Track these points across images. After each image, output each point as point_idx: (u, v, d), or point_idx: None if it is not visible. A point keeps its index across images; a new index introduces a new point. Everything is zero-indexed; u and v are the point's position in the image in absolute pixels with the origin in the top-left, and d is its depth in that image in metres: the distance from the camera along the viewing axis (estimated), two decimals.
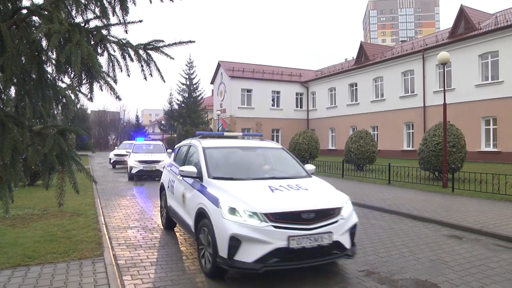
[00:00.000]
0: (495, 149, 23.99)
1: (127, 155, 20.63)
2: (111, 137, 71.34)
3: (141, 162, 17.43)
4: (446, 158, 13.28)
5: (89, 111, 63.87)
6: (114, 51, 3.27)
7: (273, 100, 42.10)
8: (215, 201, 4.84)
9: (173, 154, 8.19)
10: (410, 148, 29.67)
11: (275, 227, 4.46)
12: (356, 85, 36.33)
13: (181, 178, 6.40)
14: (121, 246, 6.45)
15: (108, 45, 3.21)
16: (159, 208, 10.08)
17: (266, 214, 4.51)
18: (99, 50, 3.22)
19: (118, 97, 3.12)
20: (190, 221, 5.65)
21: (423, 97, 28.87)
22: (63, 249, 5.89)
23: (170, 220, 7.38)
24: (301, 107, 43.54)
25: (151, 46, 3.32)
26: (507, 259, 5.87)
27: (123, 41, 3.26)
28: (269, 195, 4.88)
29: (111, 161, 25.89)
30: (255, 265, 4.38)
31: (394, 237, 7.17)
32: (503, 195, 10.72)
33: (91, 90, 3.13)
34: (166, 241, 6.85)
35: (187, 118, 48.73)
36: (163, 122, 58.56)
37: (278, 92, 42.16)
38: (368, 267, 5.46)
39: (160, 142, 21.31)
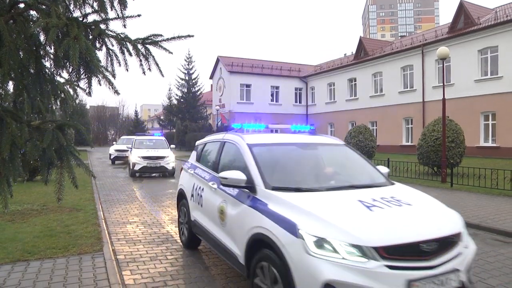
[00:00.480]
0: (494, 144, 24.02)
1: (127, 150, 20.12)
2: (110, 133, 71.35)
3: (145, 158, 16.73)
4: (445, 153, 13.30)
5: (88, 107, 63.96)
6: (113, 45, 3.25)
7: (272, 95, 42.09)
8: (289, 226, 3.29)
9: (194, 153, 6.59)
10: (409, 143, 29.70)
11: (390, 267, 3.00)
12: (355, 80, 36.30)
13: (215, 186, 4.85)
14: (121, 241, 6.46)
15: (106, 39, 3.19)
16: (159, 203, 10.12)
17: (376, 248, 3.03)
18: (98, 45, 3.20)
19: (116, 92, 3.11)
20: (237, 249, 4.11)
21: (422, 92, 28.85)
22: (63, 244, 5.89)
23: (194, 238, 5.87)
24: (300, 102, 43.52)
25: (149, 41, 3.30)
26: (505, 253, 5.89)
27: (122, 35, 3.25)
28: (369, 216, 3.36)
29: (111, 157, 25.22)
30: None
31: None
32: (502, 190, 10.75)
33: (89, 84, 3.11)
34: (165, 236, 6.86)
35: (186, 113, 48.75)
36: (162, 117, 58.58)
37: (277, 87, 42.14)
38: None
39: (162, 137, 20.79)
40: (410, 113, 29.97)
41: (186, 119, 46.62)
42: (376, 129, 32.94)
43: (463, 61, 25.68)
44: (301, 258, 3.10)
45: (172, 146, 20.03)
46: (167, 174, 17.21)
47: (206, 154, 6.06)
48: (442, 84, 13.94)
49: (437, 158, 14.18)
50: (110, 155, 25.76)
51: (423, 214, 3.65)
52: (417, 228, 3.30)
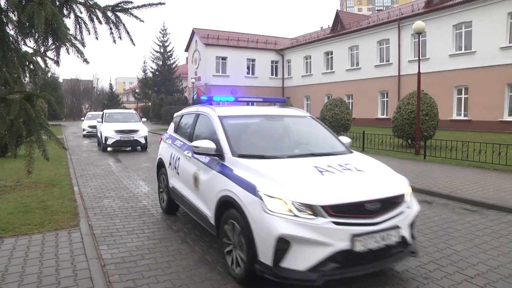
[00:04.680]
0: (466, 118, 24.67)
1: None
2: (85, 106, 69.50)
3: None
4: (419, 126, 13.58)
5: (61, 80, 61.93)
6: (81, 12, 3.11)
7: (248, 68, 41.71)
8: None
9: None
10: (384, 116, 30.16)
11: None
12: (331, 54, 36.27)
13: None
14: (97, 216, 6.40)
15: (74, 6, 3.04)
16: (135, 177, 10.03)
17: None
18: (65, 12, 3.05)
19: (86, 61, 2.99)
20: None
21: (398, 66, 29.13)
22: (38, 220, 5.79)
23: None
24: (276, 75, 43.31)
25: (119, 8, 3.17)
26: (471, 221, 6.17)
27: (90, 2, 3.10)
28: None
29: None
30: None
31: None
32: (471, 161, 11.11)
33: (57, 53, 2.98)
34: (142, 210, 6.83)
35: (161, 86, 48.01)
36: (137, 90, 57.46)
37: (253, 60, 41.74)
38: None
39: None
40: (386, 86, 30.30)
41: (162, 92, 45.94)
42: (352, 102, 33.24)
43: (438, 36, 25.94)
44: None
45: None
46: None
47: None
48: (417, 58, 14.07)
49: (411, 131, 14.47)
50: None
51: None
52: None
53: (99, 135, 17.84)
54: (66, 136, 25.70)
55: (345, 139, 5.33)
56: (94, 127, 22.71)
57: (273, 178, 3.74)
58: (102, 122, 17.45)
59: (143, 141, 16.70)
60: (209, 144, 4.51)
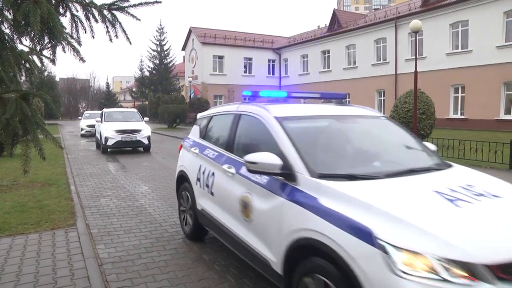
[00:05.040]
0: (462, 116, 24.76)
1: None
2: (82, 105, 69.30)
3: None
4: (416, 125, 13.62)
5: (57, 79, 61.71)
6: (77, 11, 3.10)
7: (245, 66, 41.69)
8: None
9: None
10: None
11: None
12: (328, 52, 36.29)
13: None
14: (94, 215, 6.38)
15: (70, 4, 3.04)
16: (132, 177, 10.01)
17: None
18: (61, 10, 3.04)
19: (82, 59, 2.98)
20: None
21: (395, 65, 29.17)
22: (35, 219, 5.77)
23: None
24: (273, 74, 43.31)
25: (116, 6, 3.16)
26: None
27: (87, 0, 3.10)
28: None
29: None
30: None
31: None
32: (468, 160, 11.15)
33: (53, 52, 2.97)
34: (139, 209, 6.81)
35: (158, 85, 48.05)
36: (134, 89, 57.44)
37: (250, 59, 41.71)
38: None
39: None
40: (383, 85, 30.36)
41: (159, 91, 45.91)
42: (349, 101, 33.22)
43: (435, 35, 26.00)
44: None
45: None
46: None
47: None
48: (414, 57, 14.11)
49: (408, 129, 14.51)
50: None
51: None
52: None
53: (98, 135, 16.88)
54: (63, 135, 25.62)
55: (432, 146, 4.09)
56: (93, 126, 21.74)
57: (395, 216, 2.40)
58: (101, 121, 16.42)
59: (146, 141, 15.73)
60: (273, 159, 3.14)
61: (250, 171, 3.30)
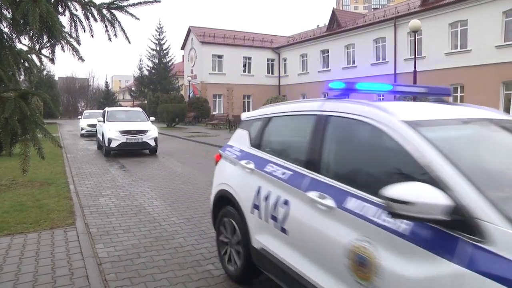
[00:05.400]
0: None
1: None
2: (81, 105, 69.25)
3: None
4: None
5: (56, 78, 61.66)
6: (76, 10, 3.10)
7: (244, 66, 41.62)
8: None
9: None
10: None
11: None
12: (327, 52, 36.28)
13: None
14: (93, 214, 6.38)
15: (69, 3, 3.04)
16: (132, 176, 10.00)
17: None
18: (60, 9, 3.04)
19: (81, 58, 2.97)
20: None
21: (394, 64, 29.18)
22: (34, 219, 5.77)
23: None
24: (272, 73, 43.28)
25: (115, 5, 3.16)
26: None
27: None
28: None
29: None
30: None
31: None
32: None
33: (52, 51, 2.97)
34: (138, 208, 6.81)
35: (157, 84, 48.02)
36: (133, 88, 57.38)
37: (249, 58, 41.66)
38: None
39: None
40: None
41: (158, 90, 45.86)
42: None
43: (434, 34, 26.01)
44: None
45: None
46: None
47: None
48: (413, 56, 14.13)
49: None
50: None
51: None
52: None
53: (99, 136, 15.63)
54: (62, 134, 25.59)
55: None
56: (93, 125, 20.10)
57: None
58: (104, 121, 15.14)
59: (152, 143, 14.54)
60: (434, 196, 1.90)
61: (391, 213, 1.99)
